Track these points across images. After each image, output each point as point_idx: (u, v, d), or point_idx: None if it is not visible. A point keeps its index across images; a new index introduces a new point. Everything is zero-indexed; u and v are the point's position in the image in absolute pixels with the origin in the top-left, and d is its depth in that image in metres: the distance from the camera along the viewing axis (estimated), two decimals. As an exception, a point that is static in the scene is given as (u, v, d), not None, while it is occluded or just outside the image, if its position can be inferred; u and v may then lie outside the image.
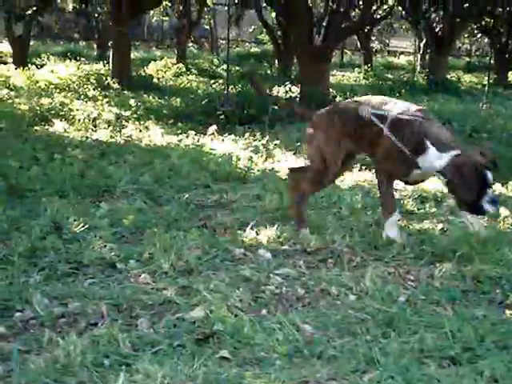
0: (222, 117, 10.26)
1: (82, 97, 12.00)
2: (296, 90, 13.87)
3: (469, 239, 4.51)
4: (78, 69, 15.86)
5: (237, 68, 20.04)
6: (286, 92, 13.96)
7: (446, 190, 5.85)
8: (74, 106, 10.53)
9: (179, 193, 5.93)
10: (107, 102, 11.29)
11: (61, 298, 3.59)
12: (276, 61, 20.62)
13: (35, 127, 8.86)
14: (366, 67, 23.16)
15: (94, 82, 14.07)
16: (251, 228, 4.83)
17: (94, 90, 13.06)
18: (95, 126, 9.20)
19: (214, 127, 8.82)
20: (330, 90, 13.78)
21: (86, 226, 4.66)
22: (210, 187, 6.21)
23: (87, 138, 8.32)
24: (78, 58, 20.02)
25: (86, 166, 6.54)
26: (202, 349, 3.09)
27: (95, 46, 25.42)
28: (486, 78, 21.34)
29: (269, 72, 19.16)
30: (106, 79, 14.34)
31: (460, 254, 4.38)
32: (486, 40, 25.81)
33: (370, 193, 6.24)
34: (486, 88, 17.12)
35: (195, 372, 2.81)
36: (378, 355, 3.02)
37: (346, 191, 5.99)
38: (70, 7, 22.48)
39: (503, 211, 5.52)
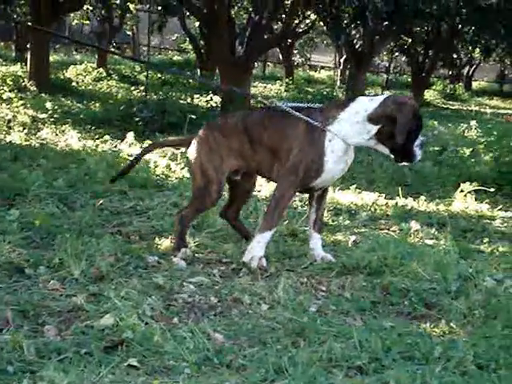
0: (141, 123, 10.19)
1: (-3, 98, 11.72)
2: (218, 99, 13.90)
3: (379, 252, 4.59)
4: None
5: (158, 75, 19.96)
6: (207, 101, 13.97)
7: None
8: (-12, 108, 10.28)
9: (94, 198, 5.83)
10: (23, 105, 11.06)
11: (-35, 304, 3.48)
12: (198, 70, 20.63)
13: None
14: (287, 80, 23.45)
15: (11, 83, 13.76)
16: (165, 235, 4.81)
17: (9, 91, 12.77)
18: (10, 128, 8.99)
19: (131, 133, 8.73)
20: (251, 101, 13.86)
21: (-5, 230, 4.53)
22: (127, 194, 6.14)
23: (0, 140, 8.10)
24: (-5, 58, 19.55)
25: (-3, 169, 6.38)
26: (110, 357, 3.04)
27: (13, 47, 24.88)
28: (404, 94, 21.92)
29: (191, 81, 19.13)
30: (23, 81, 14.04)
31: (371, 266, 4.47)
32: (404, 58, 26.47)
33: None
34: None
35: (102, 380, 2.77)
36: (287, 364, 3.03)
37: (262, 201, 6.01)
38: (-12, 7, 21.92)
39: (413, 225, 5.66)
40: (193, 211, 4.72)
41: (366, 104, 4.41)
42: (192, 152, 4.72)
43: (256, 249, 4.45)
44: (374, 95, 4.60)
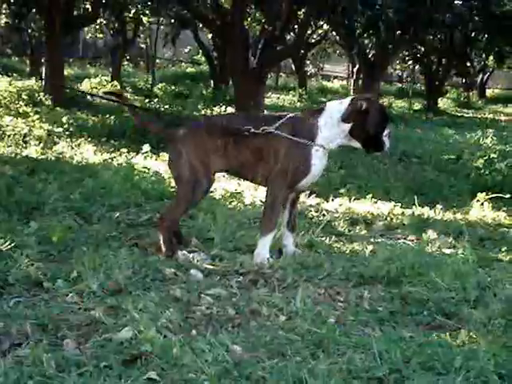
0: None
1: (13, 113, 11.78)
2: (232, 110, 13.94)
3: (397, 262, 4.57)
4: (10, 84, 15.57)
5: (172, 87, 20.06)
6: (221, 113, 14.02)
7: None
8: (5, 122, 10.34)
9: (110, 211, 5.85)
10: (39, 119, 11.12)
11: (-16, 318, 3.49)
12: (211, 82, 20.70)
13: (-37, 142, 8.65)
14: (300, 90, 23.48)
15: (26, 97, 13.84)
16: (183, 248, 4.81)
17: (25, 105, 12.85)
18: (26, 143, 9.05)
19: (147, 146, 8.76)
20: (265, 111, 13.89)
21: (13, 244, 4.54)
22: (142, 206, 6.15)
23: (17, 154, 8.15)
24: (10, 73, 19.67)
25: (14, 183, 6.40)
26: (130, 370, 3.03)
27: (28, 61, 25.05)
28: (417, 103, 21.87)
29: (204, 93, 19.21)
30: (39, 95, 14.13)
31: (388, 276, 4.45)
32: (417, 67, 26.42)
33: (302, 214, 6.28)
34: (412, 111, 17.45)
35: (122, 393, 2.76)
36: (307, 376, 3.01)
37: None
38: (3, 22, 22.12)
39: (431, 234, 5.64)
40: (180, 211, 4.84)
41: (337, 107, 4.79)
42: (178, 148, 4.81)
43: (263, 252, 4.72)
44: (339, 100, 4.96)
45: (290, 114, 4.86)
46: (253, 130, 4.70)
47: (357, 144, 4.86)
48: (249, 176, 4.93)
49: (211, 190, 6.46)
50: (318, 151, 4.74)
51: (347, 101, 4.80)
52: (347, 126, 4.75)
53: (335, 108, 4.78)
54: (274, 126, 4.71)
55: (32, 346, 3.14)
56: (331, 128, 4.74)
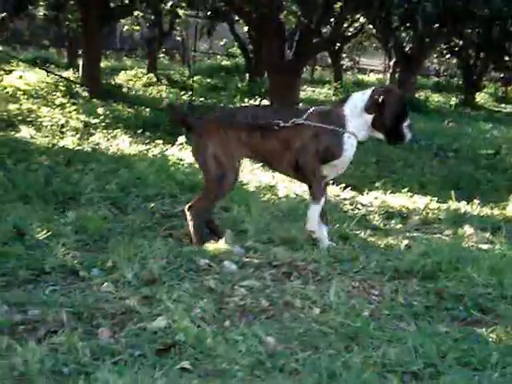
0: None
1: (50, 104, 11.90)
2: (266, 103, 13.92)
3: (433, 256, 4.53)
4: (48, 76, 15.73)
5: (208, 80, 20.09)
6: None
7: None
8: (42, 113, 10.44)
9: (145, 202, 5.88)
10: (75, 110, 11.21)
11: (20, 305, 3.52)
12: (247, 75, 20.68)
13: (1, 133, 8.74)
14: (336, 84, 23.33)
15: (63, 89, 13.96)
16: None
17: (62, 97, 12.97)
18: (62, 133, 9.12)
19: (182, 137, 8.77)
20: (300, 104, 13.84)
21: (50, 233, 4.58)
22: (177, 197, 6.16)
23: (54, 144, 8.22)
24: (48, 65, 19.87)
25: (51, 173, 6.46)
26: (163, 359, 3.05)
27: (65, 53, 25.26)
28: (454, 97, 21.66)
29: (239, 86, 19.20)
30: (75, 87, 14.24)
31: (424, 270, 4.41)
32: (455, 61, 26.11)
33: (336, 207, 6.25)
34: (453, 106, 17.28)
35: (155, 382, 2.77)
36: (341, 369, 3.00)
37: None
38: (41, 14, 22.30)
39: (467, 229, 5.58)
40: (208, 202, 4.88)
41: (360, 97, 4.89)
42: (203, 139, 4.85)
43: (313, 217, 4.89)
44: (362, 91, 5.02)
45: (315, 107, 4.99)
46: (282, 124, 4.77)
47: (380, 135, 4.94)
48: (274, 163, 5.04)
49: (246, 182, 6.52)
50: (350, 138, 4.84)
51: (369, 92, 4.90)
52: (370, 117, 4.84)
53: (359, 98, 4.89)
54: (303, 117, 4.81)
55: (67, 333, 3.16)
56: (356, 118, 4.84)
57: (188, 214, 4.86)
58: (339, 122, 4.83)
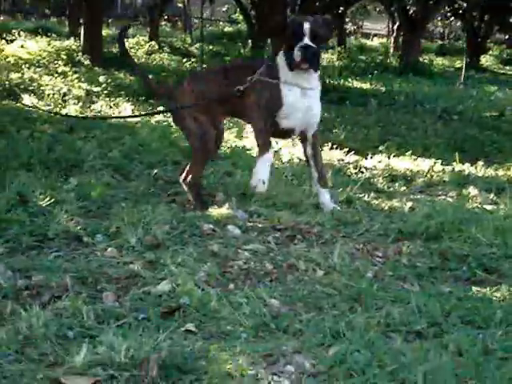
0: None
1: (52, 72, 11.84)
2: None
3: (437, 218, 4.52)
4: (49, 45, 15.66)
5: (210, 47, 19.97)
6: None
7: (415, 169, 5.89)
8: (44, 82, 10.40)
9: (148, 168, 5.88)
10: (77, 78, 11.17)
11: (25, 271, 3.53)
12: (249, 41, 20.53)
13: (3, 101, 8.72)
14: (339, 48, 23.17)
15: (65, 58, 13.90)
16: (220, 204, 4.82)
17: (64, 66, 12.91)
18: (64, 102, 9.10)
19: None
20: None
21: (53, 200, 4.57)
22: (180, 163, 6.14)
23: (56, 113, 8.20)
24: (49, 34, 19.75)
25: (54, 141, 6.45)
26: (168, 322, 3.06)
27: (67, 22, 25.10)
28: (459, 60, 21.50)
29: (242, 52, 19.09)
30: (77, 55, 14.17)
31: (428, 231, 4.40)
32: (459, 23, 25.89)
33: (340, 171, 6.24)
34: (463, 70, 17.17)
35: (160, 345, 2.78)
36: (344, 329, 3.00)
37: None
38: (41, -18, 22.16)
39: (472, 190, 5.56)
40: (199, 166, 4.92)
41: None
42: (179, 103, 4.92)
43: (260, 171, 4.73)
44: None
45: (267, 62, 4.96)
46: (242, 88, 4.78)
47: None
48: (240, 115, 5.14)
49: (249, 147, 6.48)
50: (285, 86, 4.72)
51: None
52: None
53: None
54: (258, 73, 4.80)
55: (72, 298, 3.17)
56: (284, 66, 4.73)
57: (184, 185, 4.94)
58: (275, 73, 4.78)
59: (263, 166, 4.75)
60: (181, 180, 5.00)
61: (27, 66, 12.46)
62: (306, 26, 4.59)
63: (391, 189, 5.78)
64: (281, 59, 4.77)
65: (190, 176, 4.92)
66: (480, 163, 6.74)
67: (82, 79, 11.23)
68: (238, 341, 2.93)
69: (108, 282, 3.48)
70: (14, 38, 17.90)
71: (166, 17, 28.01)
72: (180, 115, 4.97)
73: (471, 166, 6.68)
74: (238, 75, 4.88)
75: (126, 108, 8.95)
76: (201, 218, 4.55)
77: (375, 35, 33.97)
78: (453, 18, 25.62)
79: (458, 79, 16.35)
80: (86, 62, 13.66)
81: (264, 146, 4.79)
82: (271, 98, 4.77)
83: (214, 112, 4.92)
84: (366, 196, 5.36)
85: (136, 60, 16.11)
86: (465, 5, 22.98)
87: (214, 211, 4.71)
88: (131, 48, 18.45)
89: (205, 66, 13.83)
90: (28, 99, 8.87)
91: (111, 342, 2.75)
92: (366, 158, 6.91)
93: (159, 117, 8.27)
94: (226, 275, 3.69)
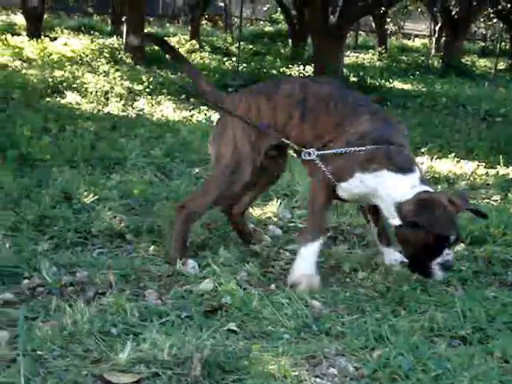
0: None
1: (95, 70, 11.95)
2: (310, 69, 13.81)
3: (481, 221, 4.45)
4: (92, 43, 15.79)
5: (250, 46, 19.96)
6: (299, 72, 13.90)
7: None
8: (87, 79, 10.49)
9: (189, 167, 5.90)
10: (119, 76, 11.24)
11: (69, 267, 3.56)
12: (290, 40, 20.49)
13: (47, 98, 8.83)
14: (380, 49, 23.02)
15: (107, 56, 14.00)
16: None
17: (106, 64, 13.00)
18: (107, 100, 9.17)
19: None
20: (344, 70, 13.68)
21: (96, 197, 4.61)
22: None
23: (99, 110, 8.28)
24: (92, 32, 19.93)
25: (97, 138, 6.51)
26: (210, 321, 3.06)
27: (109, 20, 25.30)
28: (502, 62, 21.23)
29: (282, 51, 19.06)
30: (119, 54, 14.27)
31: (472, 235, 4.35)
32: (502, 25, 25.54)
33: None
34: (493, 70, 16.97)
35: (203, 343, 2.79)
36: (388, 333, 2.98)
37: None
38: (85, -19, 22.38)
39: (516, 195, 5.48)
40: (208, 200, 3.75)
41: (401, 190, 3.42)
42: (224, 119, 3.82)
43: (300, 266, 3.59)
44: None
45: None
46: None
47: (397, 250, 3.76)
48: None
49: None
50: None
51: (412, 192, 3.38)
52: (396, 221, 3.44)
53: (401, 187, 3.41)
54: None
55: (115, 295, 3.19)
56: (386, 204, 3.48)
57: (177, 213, 3.78)
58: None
59: (311, 258, 3.60)
60: (176, 206, 3.89)
61: (70, 63, 12.59)
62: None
63: (434, 191, 5.71)
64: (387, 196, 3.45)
65: (188, 205, 3.76)
66: (525, 166, 6.64)
67: (124, 77, 11.31)
68: (280, 341, 2.92)
69: (150, 280, 3.51)
70: (57, 35, 18.12)
71: (207, 16, 28.08)
72: (220, 133, 3.79)
73: None
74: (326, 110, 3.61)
75: (167, 106, 9.00)
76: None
77: (416, 36, 33.69)
78: (496, 19, 25.28)
79: (491, 80, 16.19)
80: (128, 61, 13.74)
81: (317, 228, 3.60)
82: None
83: (267, 139, 3.72)
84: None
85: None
86: (508, 6, 22.65)
87: (255, 211, 4.71)
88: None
89: (245, 64, 13.80)
90: (71, 96, 8.95)
91: (154, 340, 2.77)
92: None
93: (201, 116, 8.30)
94: (267, 275, 3.69)
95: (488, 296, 3.48)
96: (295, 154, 3.79)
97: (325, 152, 3.54)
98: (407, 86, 14.48)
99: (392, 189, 3.41)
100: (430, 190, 3.44)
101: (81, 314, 2.93)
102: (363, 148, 3.45)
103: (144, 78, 11.04)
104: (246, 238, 4.17)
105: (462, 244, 4.24)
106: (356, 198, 3.62)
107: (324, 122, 3.60)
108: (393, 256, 3.87)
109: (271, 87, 3.80)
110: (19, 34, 17.83)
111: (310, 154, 3.57)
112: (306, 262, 3.56)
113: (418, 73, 17.07)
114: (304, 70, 14.03)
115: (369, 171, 3.45)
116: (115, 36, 17.49)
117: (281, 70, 14.12)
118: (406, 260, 3.62)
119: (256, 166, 3.74)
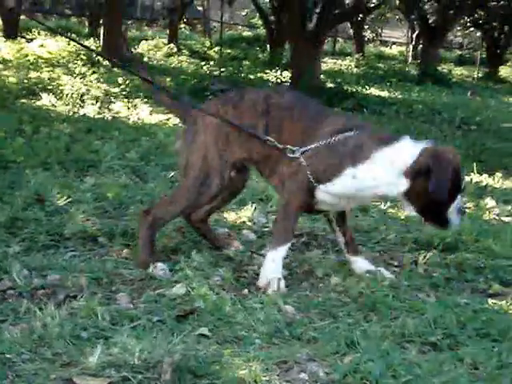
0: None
1: (71, 72, 11.88)
2: (287, 75, 13.84)
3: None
4: (69, 44, 15.69)
5: (228, 51, 19.98)
6: (277, 77, 13.92)
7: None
8: (63, 81, 10.43)
9: (165, 170, 5.88)
10: (96, 79, 11.19)
11: (40, 270, 3.53)
12: (268, 46, 20.54)
13: (22, 100, 8.77)
14: (357, 56, 23.15)
15: (84, 58, 13.94)
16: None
17: (83, 66, 12.93)
18: (83, 102, 9.13)
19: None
20: (322, 76, 13.72)
21: (70, 200, 4.59)
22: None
23: (74, 112, 8.24)
24: (69, 34, 19.82)
25: (72, 141, 6.48)
26: (182, 325, 3.05)
27: (87, 22, 25.20)
28: (477, 71, 21.43)
29: (260, 56, 19.09)
30: (96, 56, 14.20)
31: (445, 242, 4.38)
32: (479, 34, 25.79)
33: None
34: (473, 79, 17.12)
35: (174, 348, 2.77)
36: (359, 338, 2.98)
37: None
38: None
39: (489, 202, 5.53)
40: (175, 209, 3.75)
41: (407, 150, 3.53)
42: (194, 129, 3.76)
43: (270, 269, 3.59)
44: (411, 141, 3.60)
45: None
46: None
47: (410, 209, 3.61)
48: (266, 173, 3.80)
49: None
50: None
51: (418, 149, 3.48)
52: (405, 183, 3.49)
53: (404, 152, 3.48)
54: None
55: (87, 298, 3.17)
56: (387, 173, 3.50)
57: (142, 218, 3.75)
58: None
59: (278, 262, 3.61)
60: (140, 211, 3.93)
61: (46, 65, 12.52)
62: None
63: (408, 198, 5.74)
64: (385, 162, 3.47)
65: (153, 212, 3.74)
66: (498, 174, 6.69)
67: (101, 80, 11.26)
68: (252, 346, 2.92)
69: (123, 284, 3.49)
70: (33, 37, 17.98)
71: (185, 20, 28.06)
72: (189, 144, 3.73)
73: (489, 176, 6.63)
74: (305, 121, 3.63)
75: (143, 109, 8.97)
76: (216, 222, 4.54)
77: (394, 43, 33.90)
78: (472, 27, 25.51)
79: (470, 88, 16.33)
80: (105, 63, 13.68)
81: (286, 232, 3.64)
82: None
83: (234, 152, 3.71)
84: (382, 204, 5.33)
85: (154, 62, 16.17)
86: (484, 15, 22.89)
87: (230, 216, 4.70)
88: (150, 50, 18.52)
89: (223, 69, 13.79)
90: (47, 98, 8.90)
91: (125, 344, 2.75)
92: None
93: (176, 120, 8.28)
94: (240, 280, 3.68)
95: (459, 303, 3.49)
96: (260, 172, 3.83)
97: (308, 148, 3.54)
98: (384, 93, 14.56)
99: (396, 160, 3.45)
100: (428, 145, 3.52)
101: (51, 318, 2.91)
102: (351, 134, 3.48)
103: (120, 81, 11.00)
104: (213, 244, 4.15)
105: (434, 250, 4.27)
106: (336, 201, 3.62)
107: (290, 130, 3.62)
108: (360, 264, 3.86)
109: (237, 97, 3.81)
110: (-5, 35, 17.71)
111: (293, 151, 3.57)
112: (276, 265, 3.58)
113: (394, 80, 17.18)
114: (281, 75, 14.05)
115: (361, 162, 3.46)
116: (92, 38, 17.42)
117: (258, 75, 14.14)
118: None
119: (224, 179, 3.71)
